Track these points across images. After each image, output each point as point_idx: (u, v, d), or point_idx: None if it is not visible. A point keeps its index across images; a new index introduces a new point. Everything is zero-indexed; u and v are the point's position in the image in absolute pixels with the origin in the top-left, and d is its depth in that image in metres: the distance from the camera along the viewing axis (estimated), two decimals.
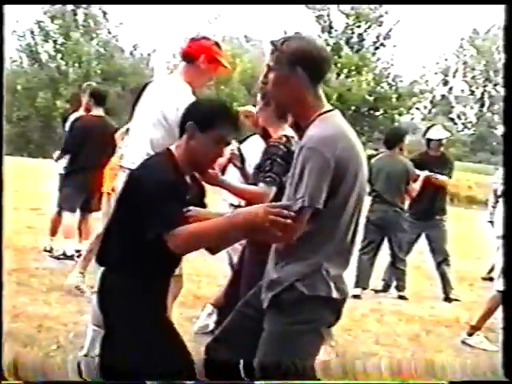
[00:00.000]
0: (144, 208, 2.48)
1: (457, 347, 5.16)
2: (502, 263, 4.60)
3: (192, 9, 49.33)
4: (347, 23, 32.05)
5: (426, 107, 42.71)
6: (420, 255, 7.93)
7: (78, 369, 3.13)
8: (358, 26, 32.08)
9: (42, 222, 7.80)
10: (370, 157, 6.75)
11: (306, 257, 2.44)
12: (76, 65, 34.55)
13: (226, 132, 2.66)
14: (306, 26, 31.50)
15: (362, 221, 6.00)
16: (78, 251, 6.64)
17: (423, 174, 6.95)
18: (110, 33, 37.15)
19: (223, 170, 4.04)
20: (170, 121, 3.56)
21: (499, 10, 3.21)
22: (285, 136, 3.63)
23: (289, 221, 2.28)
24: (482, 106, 44.92)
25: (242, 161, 3.90)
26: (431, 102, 43.47)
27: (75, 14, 35.51)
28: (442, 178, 7.07)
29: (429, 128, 7.38)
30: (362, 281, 6.72)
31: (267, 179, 3.50)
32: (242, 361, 2.57)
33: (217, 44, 3.95)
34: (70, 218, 6.67)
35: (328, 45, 30.33)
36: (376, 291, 7.01)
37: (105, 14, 36.37)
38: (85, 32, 35.48)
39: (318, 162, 2.35)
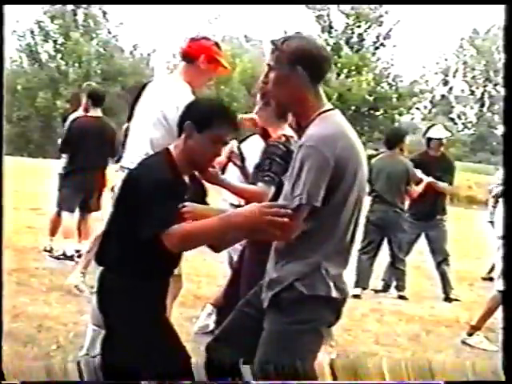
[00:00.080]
0: (141, 207, 2.49)
1: (457, 347, 5.16)
2: (502, 263, 4.60)
3: (192, 9, 49.42)
4: (347, 23, 32.05)
5: (426, 107, 42.74)
6: (420, 255, 7.93)
7: (77, 369, 3.13)
8: (358, 26, 32.08)
9: (42, 222, 7.80)
10: (370, 157, 6.75)
11: (305, 256, 2.44)
12: (76, 65, 34.57)
13: (223, 132, 2.67)
14: (306, 25, 31.52)
15: (362, 221, 6.00)
16: (77, 251, 6.65)
17: (426, 179, 6.92)
18: (110, 33, 37.18)
19: (223, 169, 4.04)
20: (170, 120, 3.56)
21: (499, 9, 3.21)
22: (284, 136, 3.63)
23: (286, 219, 2.28)
24: (482, 105, 44.92)
25: (242, 160, 3.90)
26: (431, 101, 43.50)
27: (75, 14, 35.53)
28: (444, 185, 7.06)
29: (429, 127, 7.38)
30: (361, 281, 6.72)
31: (266, 178, 3.50)
32: (242, 360, 2.58)
33: (216, 44, 3.95)
34: (69, 219, 6.68)
35: (328, 45, 30.32)
36: (376, 291, 7.01)
37: (105, 13, 36.42)
38: (85, 32, 35.49)
39: (316, 160, 2.35)
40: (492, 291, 5.22)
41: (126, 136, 4.07)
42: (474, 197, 22.96)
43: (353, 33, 32.35)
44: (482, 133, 43.11)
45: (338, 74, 30.10)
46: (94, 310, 3.52)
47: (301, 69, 2.45)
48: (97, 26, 36.49)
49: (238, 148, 3.94)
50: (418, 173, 6.92)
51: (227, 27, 51.48)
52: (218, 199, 4.91)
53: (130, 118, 4.18)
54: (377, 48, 32.79)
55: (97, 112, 6.67)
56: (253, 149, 4.04)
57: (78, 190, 6.59)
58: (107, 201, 4.55)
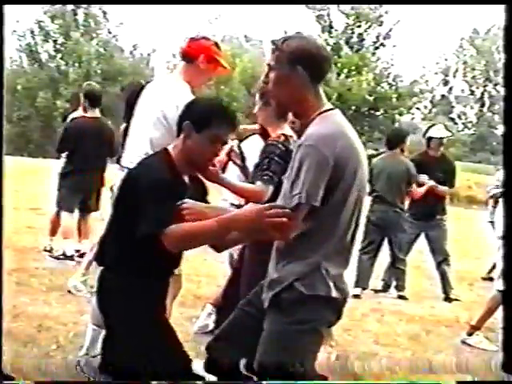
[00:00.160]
0: (140, 207, 2.49)
1: (457, 347, 5.16)
2: (502, 263, 4.60)
3: (192, 9, 49.43)
4: (347, 23, 32.02)
5: (426, 107, 42.71)
6: (420, 255, 7.93)
7: (77, 368, 3.14)
8: (358, 26, 32.05)
9: (42, 221, 7.80)
10: (370, 157, 6.75)
11: (305, 256, 2.44)
12: (76, 65, 34.56)
13: (222, 132, 2.67)
14: (306, 25, 31.51)
15: (363, 221, 6.00)
16: (77, 251, 6.67)
17: (428, 183, 6.90)
18: (110, 33, 37.16)
19: (224, 168, 4.04)
20: (170, 120, 3.56)
21: (499, 9, 3.21)
22: (283, 135, 3.63)
23: (285, 219, 2.27)
24: (482, 105, 44.92)
25: (243, 159, 3.90)
26: (431, 101, 43.48)
27: (75, 14, 35.51)
28: (444, 188, 7.05)
29: (430, 127, 7.36)
30: (362, 281, 6.72)
31: (265, 177, 3.51)
32: (242, 360, 2.58)
33: (216, 44, 3.95)
34: (68, 219, 6.69)
35: (328, 45, 30.30)
36: (376, 291, 7.01)
37: (105, 13, 36.39)
38: (85, 32, 35.48)
39: (316, 159, 2.35)
40: (492, 291, 5.22)
41: (125, 136, 4.06)
42: (473, 197, 22.96)
43: (353, 33, 32.32)
44: (482, 133, 43.10)
45: (338, 74, 30.08)
46: (93, 309, 3.52)
47: (301, 68, 2.46)
48: (97, 26, 36.47)
49: (239, 147, 3.95)
50: (424, 177, 6.90)
51: (227, 27, 51.49)
52: (219, 199, 4.92)
53: (125, 118, 4.18)
54: (377, 48, 32.76)
55: (94, 112, 6.68)
56: (253, 148, 4.05)
57: (77, 191, 6.60)
58: (107, 201, 4.55)
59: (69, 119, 6.93)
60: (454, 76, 45.28)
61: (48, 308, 4.95)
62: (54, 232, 6.98)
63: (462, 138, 41.31)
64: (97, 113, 6.70)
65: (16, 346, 3.91)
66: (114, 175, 4.28)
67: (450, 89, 45.54)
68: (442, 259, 7.02)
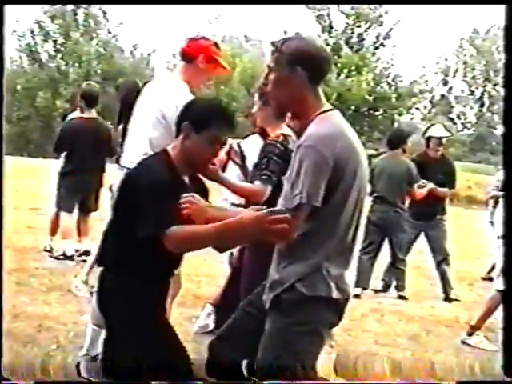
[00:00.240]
0: (140, 208, 2.49)
1: (457, 347, 5.16)
2: (501, 263, 4.61)
3: (192, 9, 49.39)
4: (347, 23, 32.03)
5: (425, 107, 42.68)
6: (420, 255, 7.93)
7: (77, 368, 3.14)
8: (358, 26, 32.06)
9: (42, 221, 7.80)
10: (369, 157, 6.74)
11: (306, 257, 2.44)
12: (76, 65, 34.57)
13: (221, 132, 2.67)
14: (306, 25, 31.55)
15: (363, 221, 6.00)
16: (77, 251, 6.67)
17: (429, 185, 6.89)
18: (110, 33, 37.17)
19: (224, 168, 4.04)
20: (169, 119, 3.56)
21: (499, 9, 3.22)
22: (282, 134, 3.64)
23: (286, 225, 2.24)
24: (482, 105, 44.91)
25: (243, 158, 3.91)
26: (431, 101, 43.45)
27: (75, 14, 35.52)
28: (444, 190, 7.04)
29: (429, 127, 7.36)
30: (362, 281, 6.71)
31: (263, 177, 3.52)
32: (244, 360, 2.58)
33: (215, 44, 3.96)
34: (68, 219, 6.70)
35: (328, 45, 30.32)
36: (376, 291, 7.01)
37: (105, 13, 36.40)
38: (85, 32, 35.49)
39: (315, 159, 2.35)
40: (491, 291, 5.22)
41: (123, 136, 4.06)
42: (473, 197, 22.95)
43: (353, 33, 32.32)
44: (482, 133, 43.09)
45: (338, 74, 30.08)
46: (94, 309, 3.52)
47: (300, 69, 2.46)
48: (97, 26, 36.48)
49: (239, 146, 3.95)
50: (425, 182, 6.89)
51: (227, 27, 51.49)
52: (219, 199, 4.92)
53: (119, 117, 4.17)
54: (377, 48, 32.76)
55: (91, 113, 6.68)
56: (253, 147, 4.05)
57: (76, 191, 6.61)
58: (106, 200, 4.55)
59: (67, 120, 6.94)
60: (454, 76, 45.27)
61: (48, 308, 4.95)
62: (53, 232, 6.98)
63: (462, 138, 41.31)
64: (93, 113, 6.71)
65: (16, 346, 3.91)
66: (113, 175, 4.28)
67: (450, 89, 45.52)
68: (441, 258, 7.02)
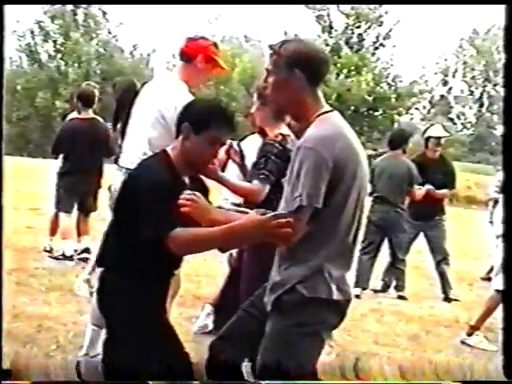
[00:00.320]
0: (140, 209, 2.48)
1: (456, 347, 5.17)
2: (500, 262, 4.60)
3: (192, 9, 49.37)
4: (347, 23, 32.05)
5: (425, 107, 42.67)
6: (419, 255, 7.93)
7: (77, 369, 3.14)
8: (358, 27, 32.08)
9: (42, 222, 7.80)
10: (369, 157, 6.73)
11: (307, 258, 2.44)
12: (76, 65, 34.58)
13: (221, 133, 2.67)
14: (306, 26, 31.59)
15: (364, 221, 6.00)
16: (76, 251, 6.67)
17: (427, 186, 6.89)
18: (110, 33, 37.19)
19: (223, 167, 4.05)
20: (168, 119, 3.56)
21: (499, 9, 3.22)
22: (281, 134, 3.65)
23: (289, 229, 2.25)
24: (482, 106, 44.89)
25: (242, 158, 3.91)
26: (430, 102, 43.44)
27: (75, 14, 35.53)
28: (443, 192, 7.04)
29: (428, 127, 7.36)
30: (361, 281, 6.71)
31: (261, 176, 3.53)
32: (244, 361, 2.58)
33: (215, 44, 3.96)
34: (67, 219, 6.71)
35: (328, 45, 30.38)
36: (375, 291, 7.01)
37: (105, 14, 36.43)
38: (85, 32, 35.50)
39: (315, 161, 2.35)
40: (490, 291, 5.22)
41: (122, 136, 4.06)
42: (473, 197, 22.96)
43: (353, 33, 32.35)
44: (481, 133, 43.08)
45: (338, 74, 30.11)
46: (93, 310, 3.52)
47: (299, 72, 2.46)
48: (97, 26, 36.49)
49: (238, 145, 3.96)
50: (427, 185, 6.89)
51: (227, 27, 51.43)
52: (219, 198, 4.92)
53: (116, 117, 4.16)
54: (376, 48, 32.79)
55: (88, 113, 6.68)
56: (252, 147, 4.06)
57: (74, 191, 6.62)
58: (105, 200, 4.55)
59: (66, 120, 6.96)
60: (454, 76, 45.25)
61: (48, 308, 4.95)
62: (53, 232, 6.99)
63: (461, 139, 41.30)
64: (90, 113, 6.70)
65: (16, 346, 3.90)
66: (112, 175, 4.28)
67: (450, 89, 45.50)
68: (441, 258, 7.02)
